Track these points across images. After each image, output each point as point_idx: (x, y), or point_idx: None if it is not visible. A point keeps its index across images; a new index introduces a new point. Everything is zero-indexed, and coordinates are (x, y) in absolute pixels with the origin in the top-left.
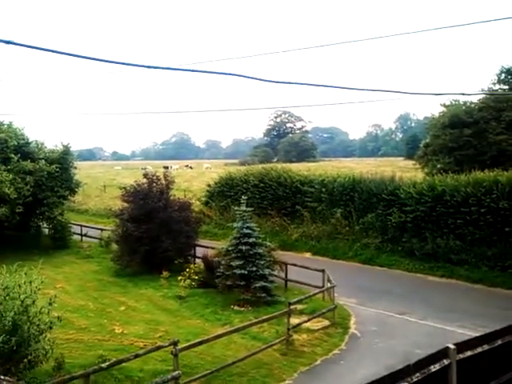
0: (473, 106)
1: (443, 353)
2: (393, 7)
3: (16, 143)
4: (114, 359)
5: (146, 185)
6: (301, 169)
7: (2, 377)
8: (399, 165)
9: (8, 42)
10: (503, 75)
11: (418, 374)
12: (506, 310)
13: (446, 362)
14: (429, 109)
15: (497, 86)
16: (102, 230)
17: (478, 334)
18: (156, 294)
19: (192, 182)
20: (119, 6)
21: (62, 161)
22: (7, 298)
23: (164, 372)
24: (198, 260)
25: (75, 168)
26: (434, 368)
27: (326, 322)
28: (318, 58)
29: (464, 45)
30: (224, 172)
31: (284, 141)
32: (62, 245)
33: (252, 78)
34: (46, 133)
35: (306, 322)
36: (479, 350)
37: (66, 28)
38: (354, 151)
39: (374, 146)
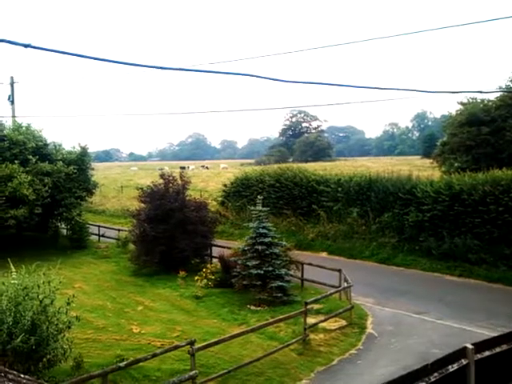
0: (490, 103)
1: (461, 352)
2: (411, 5)
3: (34, 145)
4: (132, 359)
5: (162, 185)
6: (317, 168)
7: (22, 375)
8: (416, 163)
9: (27, 46)
10: None
11: (435, 374)
12: None
13: (464, 361)
14: (446, 107)
15: None
16: (119, 230)
17: (496, 334)
18: (173, 293)
19: (208, 182)
20: (136, 9)
21: (80, 162)
22: (26, 297)
23: (181, 371)
24: (214, 260)
25: (92, 169)
26: (452, 368)
27: (343, 322)
28: (333, 56)
29: (481, 42)
30: (240, 172)
31: (300, 140)
32: (80, 245)
33: (267, 78)
34: (63, 134)
35: (322, 321)
36: (498, 349)
37: (83, 31)
38: (371, 150)
39: (390, 145)
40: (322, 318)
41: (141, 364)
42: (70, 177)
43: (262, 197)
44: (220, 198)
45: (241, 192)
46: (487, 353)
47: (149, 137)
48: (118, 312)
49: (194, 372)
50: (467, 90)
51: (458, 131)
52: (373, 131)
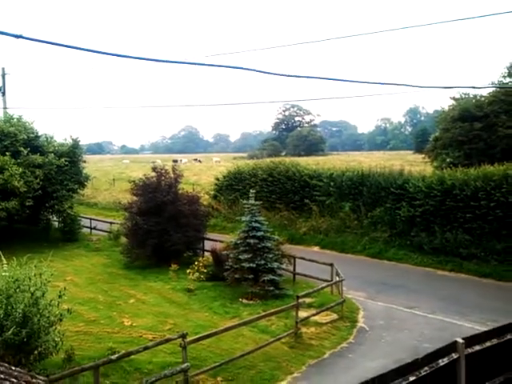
0: (483, 99)
1: (452, 347)
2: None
3: (25, 137)
4: (124, 351)
5: (154, 178)
6: (309, 162)
7: (13, 368)
8: (408, 158)
9: (18, 37)
10: None
11: (426, 368)
12: None
13: (454, 355)
14: (438, 102)
15: (507, 79)
16: (111, 223)
17: (487, 329)
18: (165, 286)
19: (201, 175)
20: (130, 1)
21: (71, 154)
22: (17, 290)
23: (173, 364)
24: (206, 253)
25: (84, 161)
26: (443, 362)
27: (335, 316)
28: (326, 51)
29: (474, 37)
30: (232, 166)
31: (292, 134)
32: (72, 238)
33: (260, 71)
34: (55, 126)
35: (314, 315)
36: (488, 344)
37: (75, 22)
38: (363, 145)
39: (382, 140)
40: (313, 311)
41: (132, 357)
42: (62, 169)
43: (254, 191)
44: (212, 192)
45: (233, 186)
46: (478, 347)
47: (141, 130)
48: (109, 305)
49: (185, 365)
50: (460, 85)
51: (451, 126)
52: (365, 126)
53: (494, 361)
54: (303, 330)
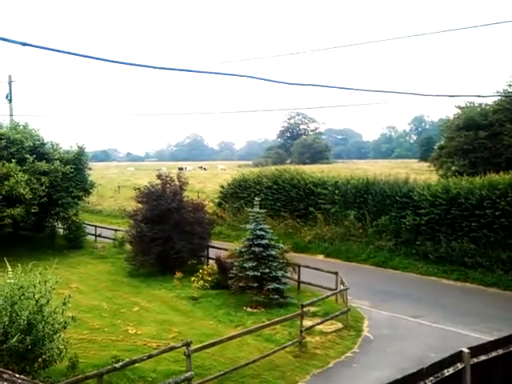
0: (488, 108)
1: (457, 357)
2: (410, 8)
3: (31, 144)
4: (128, 359)
5: (159, 186)
6: (314, 170)
7: (17, 375)
8: (413, 167)
9: (24, 44)
10: None
11: (431, 378)
12: None
13: (460, 365)
14: (443, 111)
15: None
16: (115, 230)
17: (492, 338)
18: (169, 294)
19: (206, 183)
20: (134, 8)
21: (77, 162)
22: (22, 297)
23: (177, 373)
24: (211, 261)
25: (90, 169)
26: (448, 372)
27: (339, 325)
28: (332, 59)
29: (480, 46)
30: (237, 173)
31: (297, 142)
32: (77, 245)
33: (265, 79)
34: (61, 134)
35: (318, 324)
36: (494, 354)
37: (81, 30)
38: (368, 153)
39: (388, 148)
40: (318, 320)
41: (136, 365)
42: (67, 176)
43: (259, 198)
44: (217, 200)
45: (238, 193)
46: (483, 357)
47: (146, 137)
48: (113, 312)
49: (189, 373)
50: (465, 93)
51: (456, 135)
52: (370, 134)
53: (499, 371)
54: (308, 338)
